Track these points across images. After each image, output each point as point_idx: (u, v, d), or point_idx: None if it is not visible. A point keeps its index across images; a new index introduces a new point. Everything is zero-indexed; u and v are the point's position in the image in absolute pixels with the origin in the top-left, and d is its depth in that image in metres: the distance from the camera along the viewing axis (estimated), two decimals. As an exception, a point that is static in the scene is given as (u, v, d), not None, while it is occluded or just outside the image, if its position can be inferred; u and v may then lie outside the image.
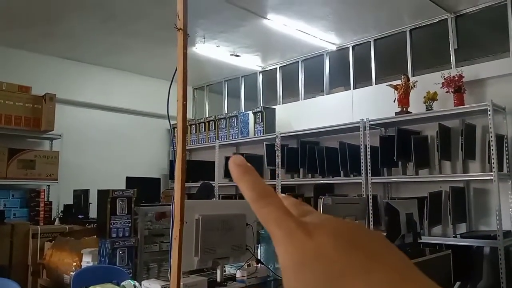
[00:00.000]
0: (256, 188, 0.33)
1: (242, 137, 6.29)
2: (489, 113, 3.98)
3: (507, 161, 4.25)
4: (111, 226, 3.30)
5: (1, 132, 5.30)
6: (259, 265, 2.49)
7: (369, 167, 4.69)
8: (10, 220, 4.92)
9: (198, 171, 6.46)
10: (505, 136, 4.26)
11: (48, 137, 5.91)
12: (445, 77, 4.43)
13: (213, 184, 6.04)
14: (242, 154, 6.06)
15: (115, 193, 3.39)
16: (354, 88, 5.73)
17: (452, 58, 4.87)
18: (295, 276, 0.28)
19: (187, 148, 1.73)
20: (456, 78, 4.39)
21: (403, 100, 4.71)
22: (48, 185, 5.69)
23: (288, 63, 6.56)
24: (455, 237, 4.17)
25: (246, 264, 2.44)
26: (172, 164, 6.95)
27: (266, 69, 6.85)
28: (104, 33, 5.48)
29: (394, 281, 0.26)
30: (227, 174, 6.16)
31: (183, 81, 1.62)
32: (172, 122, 1.81)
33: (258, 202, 0.32)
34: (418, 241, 3.43)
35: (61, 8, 4.78)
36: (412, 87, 4.72)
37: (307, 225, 0.30)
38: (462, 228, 4.40)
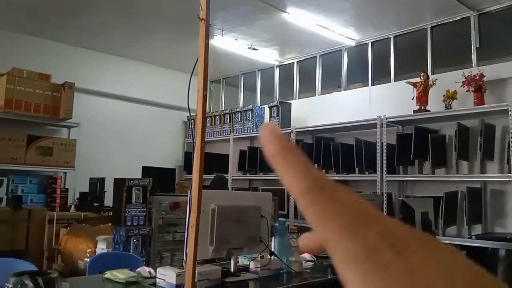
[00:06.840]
0: (309, 175, 0.23)
1: (257, 131, 6.28)
2: (510, 113, 3.91)
3: (527, 163, 4.17)
4: (126, 214, 3.34)
5: (21, 119, 5.39)
6: (273, 257, 2.50)
7: (384, 165, 4.65)
8: (27, 206, 5.01)
9: (212, 163, 6.47)
10: (526, 138, 4.18)
11: (66, 125, 5.99)
12: (466, 76, 4.36)
13: (227, 177, 6.05)
14: (256, 148, 6.06)
15: (131, 181, 3.43)
16: (372, 84, 5.67)
17: (474, 57, 4.79)
18: None
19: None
20: (477, 77, 4.31)
21: (422, 98, 4.65)
22: (65, 172, 5.78)
23: (305, 57, 6.52)
24: (470, 238, 4.12)
25: (259, 255, 2.45)
26: (186, 155, 7.06)
27: (283, 63, 6.82)
28: (123, 25, 5.52)
29: None
30: (241, 167, 6.16)
31: (204, 71, 1.62)
32: (188, 114, 1.82)
33: (312, 193, 0.22)
34: (433, 240, 3.40)
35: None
36: (431, 85, 4.66)
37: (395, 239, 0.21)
38: (478, 229, 4.34)
